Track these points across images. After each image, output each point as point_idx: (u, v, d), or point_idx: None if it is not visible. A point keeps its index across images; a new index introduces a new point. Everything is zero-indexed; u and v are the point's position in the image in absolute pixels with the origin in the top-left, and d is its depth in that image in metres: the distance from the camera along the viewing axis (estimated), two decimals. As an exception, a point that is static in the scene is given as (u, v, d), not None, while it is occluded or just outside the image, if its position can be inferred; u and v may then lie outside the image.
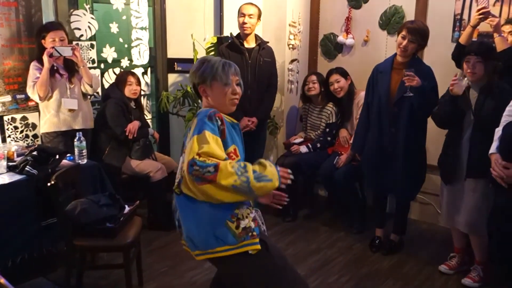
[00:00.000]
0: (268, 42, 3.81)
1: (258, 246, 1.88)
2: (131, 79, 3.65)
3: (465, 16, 3.57)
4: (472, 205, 2.85)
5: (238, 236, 1.86)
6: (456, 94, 2.75)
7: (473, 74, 2.71)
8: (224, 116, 1.95)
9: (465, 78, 2.75)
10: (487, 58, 2.70)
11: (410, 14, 3.84)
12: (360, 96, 3.75)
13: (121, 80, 3.66)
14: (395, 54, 3.17)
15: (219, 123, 1.88)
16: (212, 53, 4.04)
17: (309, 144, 3.97)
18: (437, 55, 3.61)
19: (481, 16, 2.89)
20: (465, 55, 2.77)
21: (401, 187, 3.23)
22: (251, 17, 3.60)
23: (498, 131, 2.50)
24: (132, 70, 3.86)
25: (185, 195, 1.89)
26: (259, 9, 3.67)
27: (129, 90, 3.65)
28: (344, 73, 3.85)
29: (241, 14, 3.63)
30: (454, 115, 2.85)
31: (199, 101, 2.10)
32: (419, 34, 3.01)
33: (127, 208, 2.80)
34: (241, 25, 3.64)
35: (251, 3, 3.67)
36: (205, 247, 1.89)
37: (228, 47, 3.69)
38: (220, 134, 1.87)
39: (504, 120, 2.50)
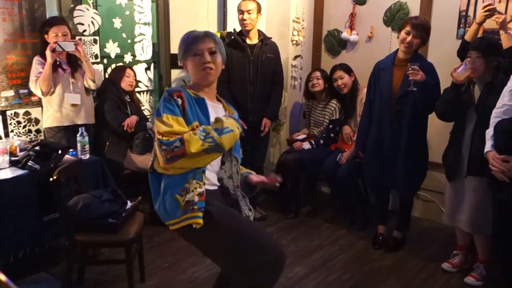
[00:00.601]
0: (271, 37, 3.79)
1: (199, 220, 1.86)
2: (130, 71, 3.68)
3: (471, 13, 3.54)
4: (474, 204, 2.83)
5: (182, 209, 1.88)
6: (457, 80, 2.72)
7: (473, 69, 2.69)
8: (189, 91, 1.97)
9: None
10: (487, 54, 2.67)
11: (414, 11, 3.81)
12: (364, 92, 3.72)
13: (118, 72, 3.67)
14: (397, 50, 3.17)
15: (179, 101, 1.90)
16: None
17: (312, 141, 3.96)
18: (442, 52, 3.59)
19: (487, 13, 2.87)
20: (467, 51, 2.75)
21: (402, 184, 3.22)
22: (250, 13, 3.58)
23: (489, 132, 2.49)
24: (130, 66, 3.86)
25: (156, 173, 1.96)
26: (257, 4, 3.65)
27: (126, 82, 3.66)
28: (348, 70, 3.83)
29: (240, 11, 3.61)
30: (455, 105, 2.81)
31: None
32: (423, 29, 3.01)
33: (129, 204, 2.79)
34: (241, 22, 3.62)
35: None
36: (164, 219, 1.96)
37: (230, 44, 3.67)
38: (182, 112, 1.90)
39: (493, 121, 2.49)
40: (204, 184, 1.92)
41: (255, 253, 1.91)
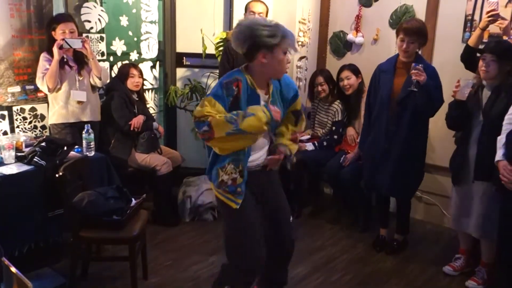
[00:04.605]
0: None
1: (225, 200, 2.19)
2: (134, 71, 3.66)
3: (476, 17, 3.53)
4: (482, 209, 2.80)
5: (218, 183, 2.18)
6: (460, 100, 2.74)
7: (486, 72, 2.68)
8: (248, 79, 2.11)
9: (469, 83, 2.72)
10: (502, 58, 2.65)
11: (420, 14, 3.81)
12: (368, 94, 3.74)
13: (123, 72, 3.67)
14: (398, 54, 3.16)
15: (235, 91, 2.07)
16: (221, 48, 4.04)
17: (315, 142, 3.96)
18: (447, 55, 3.59)
19: (490, 18, 2.87)
20: (482, 53, 2.74)
21: (394, 187, 3.21)
22: (260, 15, 3.56)
23: (501, 139, 2.48)
24: (134, 63, 3.87)
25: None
26: (267, 7, 3.65)
27: (131, 83, 3.65)
28: (355, 71, 3.83)
29: (250, 11, 3.58)
30: (462, 119, 2.83)
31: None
32: (416, 34, 2.99)
33: (133, 201, 2.81)
34: None
35: (260, 0, 3.64)
36: (210, 180, 2.27)
37: None
38: (233, 99, 2.07)
39: (505, 128, 2.48)
40: (238, 171, 2.15)
41: (237, 250, 2.24)
